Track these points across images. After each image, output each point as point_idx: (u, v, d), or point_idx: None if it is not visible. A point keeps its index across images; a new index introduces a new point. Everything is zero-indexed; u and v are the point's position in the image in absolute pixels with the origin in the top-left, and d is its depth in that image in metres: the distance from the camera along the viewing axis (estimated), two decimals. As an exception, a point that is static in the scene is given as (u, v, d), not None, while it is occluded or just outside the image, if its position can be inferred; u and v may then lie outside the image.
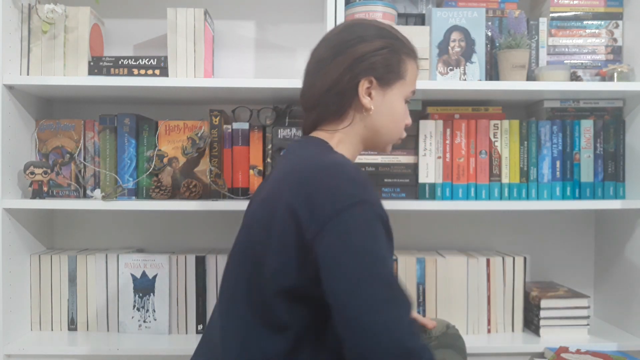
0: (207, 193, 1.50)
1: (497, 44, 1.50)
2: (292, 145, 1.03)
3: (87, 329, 1.53)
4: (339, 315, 0.79)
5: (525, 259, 1.53)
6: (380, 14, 1.45)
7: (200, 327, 1.52)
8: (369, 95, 0.99)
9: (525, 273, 1.53)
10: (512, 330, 1.53)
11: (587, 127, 1.53)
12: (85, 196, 1.53)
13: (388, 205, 1.43)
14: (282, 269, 0.86)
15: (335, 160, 0.89)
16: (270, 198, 0.90)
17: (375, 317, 0.77)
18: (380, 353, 0.75)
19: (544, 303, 1.50)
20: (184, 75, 1.44)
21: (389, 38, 1.01)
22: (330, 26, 1.38)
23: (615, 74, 1.48)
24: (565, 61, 1.55)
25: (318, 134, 1.03)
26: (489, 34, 1.52)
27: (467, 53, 1.46)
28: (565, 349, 1.39)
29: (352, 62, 0.98)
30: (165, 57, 1.45)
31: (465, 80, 1.46)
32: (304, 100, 1.05)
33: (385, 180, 1.50)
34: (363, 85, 0.98)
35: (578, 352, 1.39)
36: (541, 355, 1.43)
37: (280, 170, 0.95)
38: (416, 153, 1.51)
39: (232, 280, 0.97)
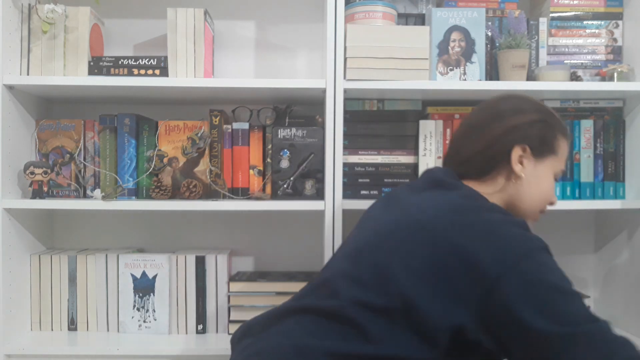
0: (207, 193, 1.50)
1: (497, 44, 1.50)
2: (438, 178, 1.02)
3: (87, 329, 1.53)
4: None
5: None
6: (380, 14, 1.45)
7: (200, 327, 1.52)
8: (521, 163, 1.01)
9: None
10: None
11: (587, 127, 1.53)
12: (85, 196, 1.53)
13: (388, 205, 1.44)
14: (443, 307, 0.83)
15: (500, 208, 0.93)
16: (433, 226, 0.88)
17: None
18: None
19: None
20: (184, 75, 1.44)
21: (546, 113, 1.04)
22: (330, 26, 1.39)
23: (615, 74, 1.48)
24: (565, 61, 1.56)
25: (469, 183, 1.03)
26: (489, 34, 1.52)
27: (467, 53, 1.46)
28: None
29: (509, 129, 1.01)
30: (165, 57, 1.45)
31: (465, 80, 1.46)
32: (450, 161, 1.08)
33: (385, 180, 1.50)
34: (517, 152, 1.01)
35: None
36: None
37: (438, 200, 0.94)
38: (416, 153, 1.51)
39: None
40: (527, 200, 1.04)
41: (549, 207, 1.09)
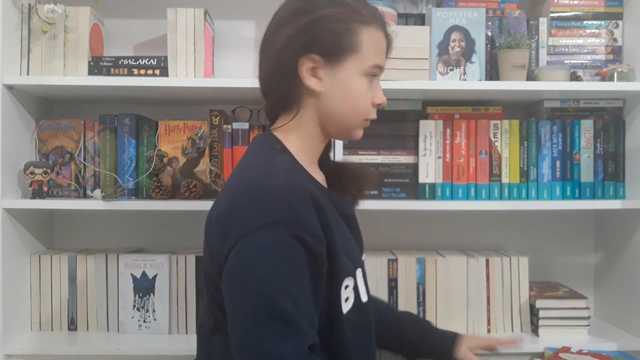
0: (207, 193, 1.50)
1: (497, 44, 1.50)
2: (252, 142, 0.95)
3: (87, 329, 1.53)
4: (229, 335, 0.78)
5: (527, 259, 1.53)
6: (380, 14, 1.45)
7: (200, 327, 1.52)
8: (315, 75, 0.88)
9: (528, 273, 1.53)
10: (512, 330, 1.53)
11: (587, 127, 1.53)
12: (85, 196, 1.53)
13: (388, 205, 1.44)
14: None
15: (265, 172, 0.81)
16: (212, 205, 0.90)
17: (251, 353, 0.73)
18: None
19: (541, 303, 1.50)
20: (184, 75, 1.44)
21: (336, 6, 0.87)
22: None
23: (615, 74, 1.48)
24: (565, 61, 1.55)
25: (276, 130, 0.93)
26: (489, 34, 1.52)
27: (467, 53, 1.46)
28: (566, 349, 1.39)
29: (291, 37, 0.86)
30: (165, 57, 1.45)
31: (465, 80, 1.46)
32: (260, 87, 0.94)
33: (385, 180, 1.50)
34: (305, 65, 0.86)
35: (580, 352, 1.39)
36: (541, 355, 1.43)
37: (232, 173, 0.92)
38: (416, 153, 1.51)
39: None
40: (339, 114, 0.90)
41: (380, 109, 0.96)
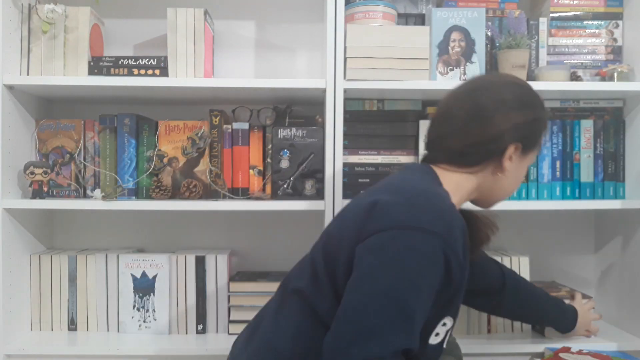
0: (207, 193, 1.50)
1: (497, 44, 1.50)
2: (409, 166, 1.03)
3: (87, 329, 1.53)
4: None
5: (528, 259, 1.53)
6: (380, 14, 1.45)
7: (200, 327, 1.52)
8: (510, 159, 0.98)
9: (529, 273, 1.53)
10: (512, 330, 1.53)
11: (587, 127, 1.53)
12: (85, 196, 1.53)
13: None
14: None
15: (434, 192, 0.89)
16: (358, 205, 0.92)
17: (355, 327, 0.79)
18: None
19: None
20: (184, 75, 1.44)
21: (542, 109, 1.01)
22: (330, 26, 1.38)
23: (615, 74, 1.48)
24: (565, 61, 1.55)
25: (438, 167, 1.01)
26: (489, 34, 1.52)
27: (467, 53, 1.46)
28: (567, 349, 1.39)
29: (516, 125, 0.96)
30: (165, 57, 1.45)
31: (465, 80, 1.46)
32: (445, 144, 1.01)
33: (385, 180, 1.50)
34: (511, 151, 0.97)
35: (580, 352, 1.39)
36: (541, 355, 1.43)
37: (383, 184, 0.96)
38: (416, 153, 1.50)
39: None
40: (502, 192, 1.02)
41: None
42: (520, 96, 0.99)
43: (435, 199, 0.87)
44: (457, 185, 1.00)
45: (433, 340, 0.93)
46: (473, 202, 1.08)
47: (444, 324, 0.94)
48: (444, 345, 0.98)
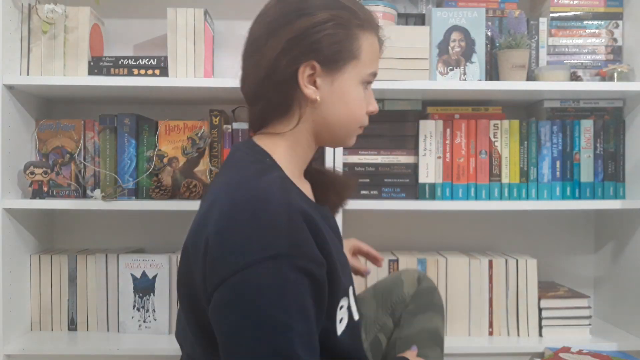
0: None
1: (497, 44, 1.50)
2: (234, 152, 0.89)
3: (87, 329, 1.53)
4: None
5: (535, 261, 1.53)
6: (380, 14, 1.45)
7: (200, 327, 1.52)
8: (314, 83, 0.83)
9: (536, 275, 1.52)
10: (518, 334, 1.51)
11: (587, 127, 1.53)
12: (85, 196, 1.53)
13: (388, 205, 1.44)
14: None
15: (259, 196, 0.74)
16: (198, 223, 0.80)
17: None
18: None
19: (545, 303, 1.50)
20: (184, 75, 1.44)
21: (336, 8, 0.82)
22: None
23: (615, 74, 1.48)
24: (565, 61, 1.55)
25: (262, 139, 0.88)
26: (489, 34, 1.52)
27: (467, 53, 1.46)
28: (567, 349, 1.39)
29: (289, 42, 0.81)
30: (165, 57, 1.45)
31: (465, 80, 1.46)
32: (244, 92, 0.90)
33: (385, 180, 1.50)
34: (304, 73, 0.82)
35: (580, 352, 1.39)
36: (541, 355, 1.43)
37: (215, 187, 0.83)
38: (416, 153, 1.51)
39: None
40: (336, 122, 0.86)
41: (371, 118, 0.93)
42: (284, 10, 0.83)
43: (260, 210, 0.73)
44: (289, 147, 0.86)
45: (340, 327, 0.84)
46: (326, 146, 0.94)
47: (341, 307, 0.84)
48: (358, 316, 0.92)
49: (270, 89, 0.84)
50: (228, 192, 0.77)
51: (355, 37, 0.83)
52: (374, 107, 0.91)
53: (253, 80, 0.86)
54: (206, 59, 1.46)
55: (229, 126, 1.52)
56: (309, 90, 0.83)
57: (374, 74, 0.88)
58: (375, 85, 1.38)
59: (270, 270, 0.70)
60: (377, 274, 1.46)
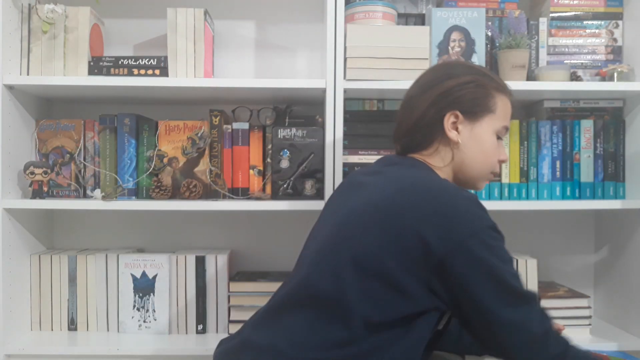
0: (207, 193, 1.50)
1: (497, 44, 1.50)
2: (391, 158, 1.07)
3: (87, 329, 1.53)
4: (481, 321, 0.90)
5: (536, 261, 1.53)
6: (380, 14, 1.45)
7: (200, 327, 1.52)
8: (456, 129, 1.02)
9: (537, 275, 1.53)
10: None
11: (587, 127, 1.53)
12: (85, 196, 1.53)
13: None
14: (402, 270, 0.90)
15: (449, 184, 0.94)
16: (387, 207, 0.92)
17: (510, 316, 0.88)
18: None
19: (545, 303, 1.50)
20: (184, 75, 1.44)
21: (477, 74, 1.04)
22: (330, 26, 1.39)
23: (615, 74, 1.48)
24: (565, 61, 1.55)
25: (419, 157, 1.06)
26: (489, 34, 1.52)
27: (467, 53, 1.46)
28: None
29: (438, 96, 1.02)
30: (165, 57, 1.45)
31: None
32: (395, 135, 1.11)
33: (385, 180, 1.50)
34: (448, 120, 1.02)
35: (578, 352, 1.39)
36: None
37: (391, 180, 0.97)
38: (416, 153, 1.50)
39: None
40: (472, 164, 1.04)
41: (503, 166, 1.17)
42: (442, 71, 1.05)
43: (463, 190, 0.93)
44: (442, 172, 1.05)
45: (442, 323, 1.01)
46: (460, 185, 1.09)
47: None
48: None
49: (417, 131, 1.05)
50: (417, 179, 0.96)
51: (492, 96, 1.04)
52: (505, 156, 1.09)
53: (405, 124, 1.06)
54: (206, 59, 1.46)
55: (229, 126, 1.52)
56: (452, 134, 1.02)
57: (506, 128, 1.07)
58: (375, 85, 1.39)
59: (492, 234, 0.90)
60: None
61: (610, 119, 1.56)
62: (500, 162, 1.08)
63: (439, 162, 1.05)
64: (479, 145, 1.04)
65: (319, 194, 1.47)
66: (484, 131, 1.04)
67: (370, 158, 1.50)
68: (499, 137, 1.07)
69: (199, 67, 1.44)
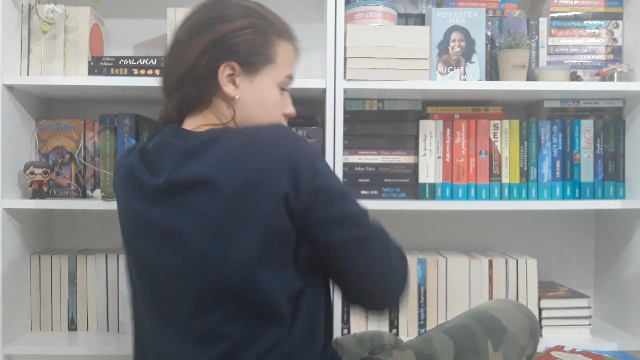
0: (207, 193, 1.50)
1: (497, 44, 1.50)
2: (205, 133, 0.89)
3: (87, 329, 1.53)
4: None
5: (535, 261, 1.53)
6: (380, 14, 1.45)
7: (200, 327, 1.52)
8: (233, 83, 0.90)
9: (536, 275, 1.52)
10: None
11: (587, 127, 1.53)
12: (85, 196, 1.53)
13: (388, 205, 1.44)
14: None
15: (269, 127, 0.84)
16: (223, 185, 0.80)
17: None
18: None
19: (545, 303, 1.50)
20: (184, 75, 1.44)
21: (255, 17, 0.91)
22: (330, 26, 1.38)
23: (615, 74, 1.48)
24: (565, 61, 1.56)
25: (199, 127, 0.92)
26: (489, 34, 1.52)
27: (467, 53, 1.46)
28: (560, 348, 1.39)
29: (210, 43, 0.88)
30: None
31: (465, 80, 1.46)
32: (163, 87, 0.95)
33: (385, 180, 1.50)
34: (224, 72, 0.89)
35: (573, 351, 1.39)
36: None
37: (207, 159, 0.82)
38: (416, 153, 1.51)
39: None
40: (255, 120, 0.92)
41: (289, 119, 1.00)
42: (214, 12, 0.91)
43: (286, 131, 0.86)
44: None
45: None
46: None
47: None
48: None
49: (189, 85, 0.90)
50: (239, 144, 0.83)
51: (272, 43, 0.92)
52: (291, 110, 0.98)
53: (173, 76, 0.92)
54: (206, 59, 1.46)
55: (229, 126, 1.51)
56: (228, 89, 0.89)
57: (290, 77, 0.96)
58: (375, 85, 1.39)
59: (322, 161, 0.87)
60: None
61: (610, 119, 1.56)
62: (286, 115, 0.97)
63: (220, 119, 0.92)
64: (260, 100, 0.92)
65: (319, 194, 1.47)
66: (264, 84, 0.91)
67: (370, 158, 1.50)
68: (283, 89, 0.95)
69: (199, 67, 1.44)
